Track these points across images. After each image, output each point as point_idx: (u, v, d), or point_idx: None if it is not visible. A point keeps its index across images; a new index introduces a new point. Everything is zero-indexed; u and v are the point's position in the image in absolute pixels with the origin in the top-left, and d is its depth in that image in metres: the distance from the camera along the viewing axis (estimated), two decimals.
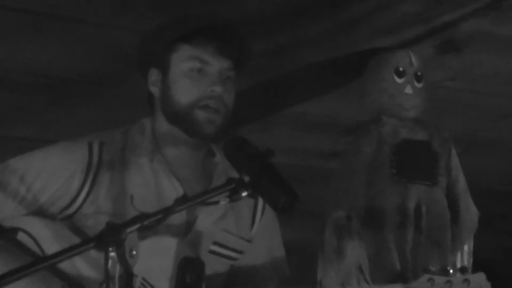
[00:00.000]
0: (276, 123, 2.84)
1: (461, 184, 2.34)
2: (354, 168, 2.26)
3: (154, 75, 2.11)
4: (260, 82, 2.58)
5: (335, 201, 2.23)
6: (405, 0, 2.28)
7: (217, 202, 1.71)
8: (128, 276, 1.55)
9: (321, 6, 2.29)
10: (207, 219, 2.07)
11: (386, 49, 2.38)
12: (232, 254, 2.14)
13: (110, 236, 1.53)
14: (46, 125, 2.73)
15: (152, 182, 2.05)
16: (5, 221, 1.94)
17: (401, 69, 2.30)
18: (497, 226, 3.52)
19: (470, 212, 2.33)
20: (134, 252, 1.54)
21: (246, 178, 1.69)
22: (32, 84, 2.51)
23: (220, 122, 2.05)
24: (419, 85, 2.31)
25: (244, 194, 1.69)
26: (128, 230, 1.55)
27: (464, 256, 2.29)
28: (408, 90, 2.29)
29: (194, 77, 2.05)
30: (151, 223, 1.60)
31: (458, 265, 2.23)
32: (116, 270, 1.53)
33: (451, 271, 1.69)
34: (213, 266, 2.08)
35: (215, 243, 2.10)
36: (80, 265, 1.90)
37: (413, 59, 2.32)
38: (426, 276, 1.70)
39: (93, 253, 1.60)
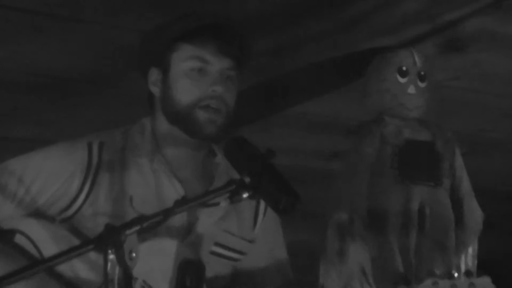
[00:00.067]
0: (277, 123, 2.83)
1: (465, 185, 2.33)
2: (356, 169, 2.25)
3: (154, 75, 2.10)
4: (261, 82, 2.58)
5: (337, 202, 2.22)
6: None
7: (217, 204, 1.71)
8: (127, 279, 1.53)
9: (321, 6, 2.28)
10: (207, 220, 2.06)
11: (388, 48, 2.36)
12: (234, 255, 2.13)
13: (109, 238, 1.52)
14: (46, 125, 2.72)
15: (152, 183, 2.05)
16: (3, 223, 1.94)
17: (404, 68, 2.28)
18: (501, 228, 3.50)
19: (475, 214, 2.32)
20: (134, 254, 1.53)
21: (247, 179, 1.68)
22: (32, 84, 2.51)
23: (221, 122, 2.04)
24: (422, 85, 2.29)
25: (245, 195, 1.68)
26: (128, 232, 1.53)
27: (468, 258, 2.27)
28: (411, 90, 2.28)
29: (194, 76, 2.04)
30: (151, 225, 1.58)
31: (462, 267, 2.22)
32: (115, 272, 1.52)
33: (456, 274, 1.67)
34: (215, 267, 2.07)
35: (216, 244, 2.09)
36: (79, 268, 1.89)
37: (417, 58, 2.30)
38: (431, 280, 1.69)
39: (92, 255, 1.59)
